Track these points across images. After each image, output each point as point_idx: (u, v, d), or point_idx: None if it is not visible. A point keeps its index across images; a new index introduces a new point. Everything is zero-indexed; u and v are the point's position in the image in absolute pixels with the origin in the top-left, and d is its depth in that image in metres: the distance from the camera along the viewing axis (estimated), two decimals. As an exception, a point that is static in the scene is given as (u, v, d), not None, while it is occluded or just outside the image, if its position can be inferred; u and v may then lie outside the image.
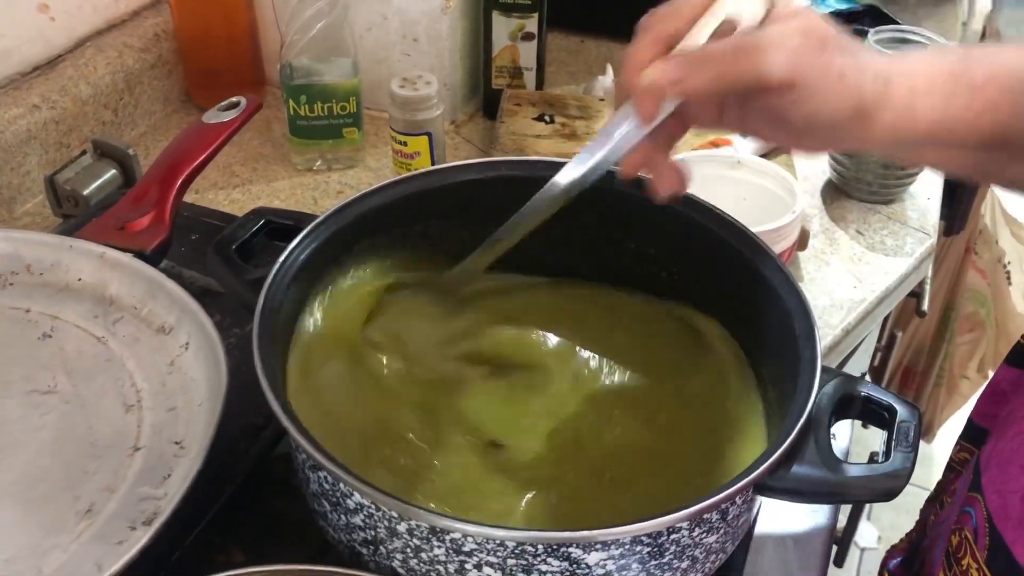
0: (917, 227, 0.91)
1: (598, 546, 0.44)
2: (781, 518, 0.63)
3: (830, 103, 0.45)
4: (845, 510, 1.47)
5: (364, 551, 0.49)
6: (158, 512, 0.50)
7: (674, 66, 0.45)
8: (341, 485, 0.47)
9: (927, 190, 0.96)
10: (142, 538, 0.48)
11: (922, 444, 1.78)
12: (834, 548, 0.78)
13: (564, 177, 0.52)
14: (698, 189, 0.63)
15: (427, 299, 0.63)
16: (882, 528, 1.78)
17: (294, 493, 0.59)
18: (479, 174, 0.63)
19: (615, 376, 0.62)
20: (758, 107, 0.46)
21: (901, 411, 0.50)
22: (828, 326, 0.80)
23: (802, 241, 0.83)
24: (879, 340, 1.25)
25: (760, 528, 0.62)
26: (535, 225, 0.55)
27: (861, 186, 0.93)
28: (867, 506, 1.68)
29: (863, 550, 1.75)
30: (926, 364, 1.57)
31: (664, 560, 0.47)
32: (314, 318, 0.60)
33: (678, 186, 0.51)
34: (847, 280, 0.85)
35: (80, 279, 0.66)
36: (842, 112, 0.45)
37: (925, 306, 1.02)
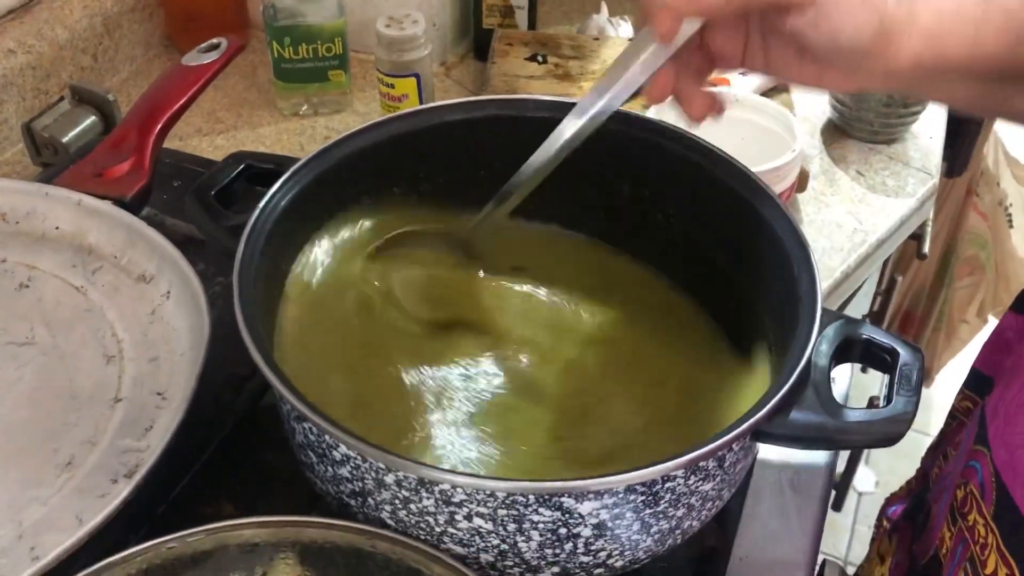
0: (919, 167, 0.89)
1: (591, 496, 0.43)
2: (779, 463, 0.62)
3: (851, 21, 0.42)
4: (843, 454, 1.47)
5: (352, 502, 0.48)
6: (140, 464, 0.49)
7: None
8: (326, 437, 0.45)
9: (929, 129, 0.93)
10: (123, 491, 0.47)
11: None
12: (832, 493, 0.78)
13: (581, 110, 0.50)
14: (693, 127, 0.61)
15: (436, 250, 0.61)
16: (880, 473, 1.79)
17: (283, 444, 0.58)
18: (467, 114, 0.61)
19: (613, 325, 0.60)
20: (780, 34, 0.45)
21: (904, 354, 0.48)
22: (828, 269, 0.78)
23: (801, 182, 0.81)
24: (879, 284, 1.24)
25: (758, 473, 0.61)
26: (549, 171, 0.53)
27: (862, 125, 0.90)
28: (865, 450, 1.68)
29: (861, 495, 1.76)
30: (925, 308, 1.56)
31: (659, 508, 0.46)
32: (307, 266, 0.59)
33: (711, 109, 0.49)
34: (847, 222, 0.83)
35: (57, 227, 0.64)
36: (864, 32, 0.42)
37: (926, 248, 1.00)
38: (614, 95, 0.49)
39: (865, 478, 1.77)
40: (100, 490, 0.49)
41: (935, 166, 0.90)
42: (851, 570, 0.72)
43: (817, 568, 0.60)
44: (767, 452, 0.62)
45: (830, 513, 0.69)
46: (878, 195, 0.86)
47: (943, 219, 1.44)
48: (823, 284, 0.73)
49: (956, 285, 1.54)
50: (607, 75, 0.49)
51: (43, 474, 0.50)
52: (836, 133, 0.92)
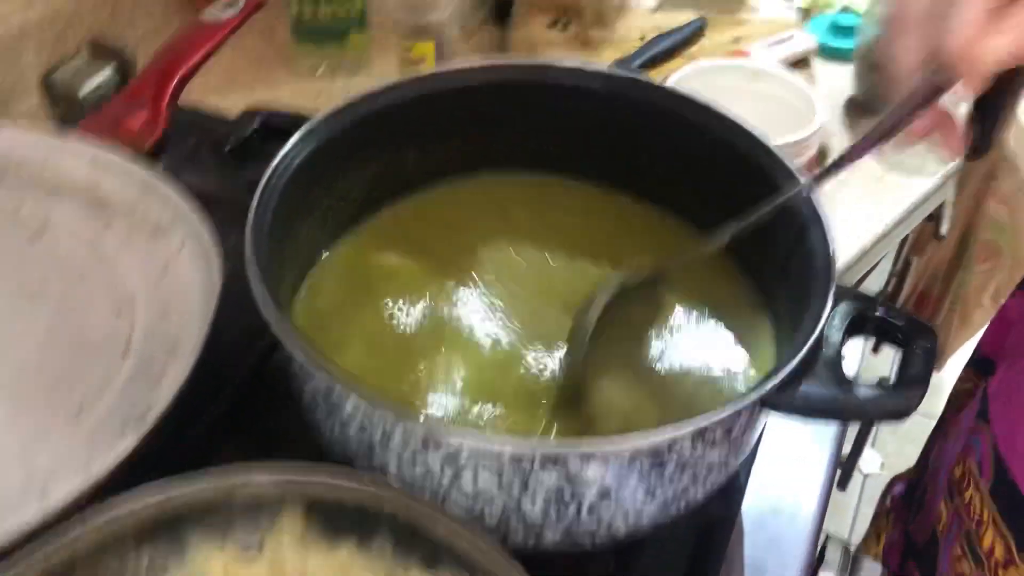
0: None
1: (596, 459, 0.43)
2: (785, 438, 0.62)
3: None
4: (850, 434, 1.47)
5: (359, 459, 0.48)
6: (149, 415, 0.49)
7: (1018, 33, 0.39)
8: (335, 392, 0.46)
9: (953, 110, 0.92)
10: (132, 440, 0.47)
11: (931, 372, 1.78)
12: (838, 471, 0.78)
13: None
14: (714, 100, 0.60)
15: None
16: (886, 455, 1.79)
17: (292, 402, 0.59)
18: (486, 77, 0.61)
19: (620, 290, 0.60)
20: None
21: (916, 331, 0.48)
22: (843, 247, 0.78)
23: (821, 159, 0.80)
24: (894, 264, 1.23)
25: (764, 447, 0.61)
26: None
27: (885, 104, 0.89)
28: (872, 432, 1.68)
29: (866, 476, 1.77)
30: (941, 290, 1.55)
31: (664, 475, 0.46)
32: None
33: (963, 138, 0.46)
34: (865, 201, 0.82)
35: (72, 178, 0.64)
36: None
37: (944, 229, 0.99)
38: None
39: (871, 460, 1.78)
40: (109, 438, 0.49)
41: (957, 147, 0.89)
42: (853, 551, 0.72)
43: (820, 545, 0.60)
44: (775, 426, 0.62)
45: (835, 492, 0.69)
46: (897, 174, 0.85)
47: (963, 202, 1.43)
48: (838, 262, 0.72)
49: (974, 270, 1.53)
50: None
51: (54, 421, 0.51)
52: (858, 111, 0.92)
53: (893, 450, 1.77)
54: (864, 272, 0.86)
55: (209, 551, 0.46)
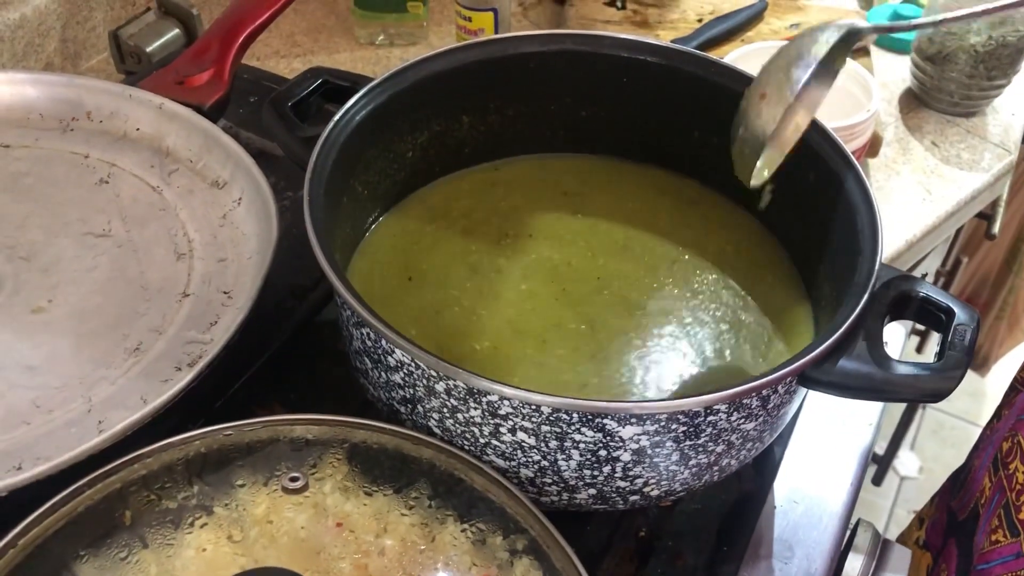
0: (997, 142, 0.87)
1: (633, 420, 0.44)
2: (822, 424, 0.62)
3: None
4: (885, 434, 1.46)
5: (402, 409, 0.49)
6: (203, 355, 0.51)
7: None
8: (383, 342, 0.47)
9: (1012, 104, 0.91)
10: (186, 377, 0.49)
11: (975, 377, 1.75)
12: (872, 465, 0.78)
13: None
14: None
15: None
16: (924, 459, 1.77)
17: (337, 358, 0.60)
18: (542, 46, 0.61)
19: (670, 268, 0.60)
20: None
21: (959, 314, 0.48)
22: (891, 237, 0.77)
23: (874, 146, 0.80)
24: (943, 263, 1.22)
25: (800, 431, 0.62)
26: None
27: (942, 96, 0.88)
28: (910, 434, 1.66)
29: (903, 479, 1.75)
30: (990, 295, 1.52)
31: (699, 441, 0.46)
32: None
33: None
34: (916, 192, 0.82)
35: (138, 129, 0.66)
36: None
37: (996, 229, 0.98)
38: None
39: (909, 462, 1.76)
40: (164, 375, 0.52)
41: (1014, 143, 0.88)
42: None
43: (851, 527, 0.61)
44: (813, 406, 0.63)
45: (870, 492, 0.69)
46: (951, 167, 0.84)
47: (1016, 205, 1.41)
48: (885, 251, 0.72)
49: (1024, 275, 1.51)
50: None
51: (112, 356, 0.53)
52: (914, 102, 0.91)
53: (931, 454, 1.75)
54: (911, 265, 0.85)
55: (255, 488, 0.48)
